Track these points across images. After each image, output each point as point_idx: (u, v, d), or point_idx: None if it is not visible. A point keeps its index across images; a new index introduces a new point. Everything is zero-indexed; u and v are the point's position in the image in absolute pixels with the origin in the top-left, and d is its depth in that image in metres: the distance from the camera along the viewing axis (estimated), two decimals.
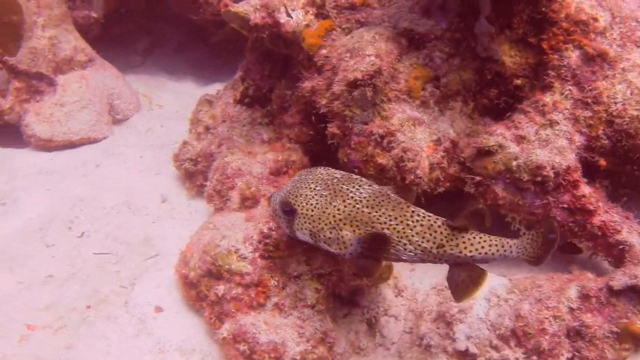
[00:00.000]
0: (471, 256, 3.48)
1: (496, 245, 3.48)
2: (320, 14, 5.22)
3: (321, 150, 5.53)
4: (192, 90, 8.63)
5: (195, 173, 6.20)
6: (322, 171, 3.82)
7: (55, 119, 7.04)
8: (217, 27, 8.33)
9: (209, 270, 4.61)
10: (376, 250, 3.52)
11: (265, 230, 4.47)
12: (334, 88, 4.73)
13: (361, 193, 3.59)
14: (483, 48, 4.85)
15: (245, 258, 4.55)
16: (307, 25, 5.17)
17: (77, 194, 6.35)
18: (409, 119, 4.72)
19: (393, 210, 3.53)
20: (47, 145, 7.10)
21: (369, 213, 3.52)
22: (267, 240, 4.55)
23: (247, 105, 6.03)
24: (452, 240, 3.48)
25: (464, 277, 3.50)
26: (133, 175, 6.60)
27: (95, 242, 5.81)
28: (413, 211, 3.54)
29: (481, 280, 3.48)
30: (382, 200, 3.57)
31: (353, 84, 4.60)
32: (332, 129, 4.83)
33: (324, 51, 5.13)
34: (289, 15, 5.13)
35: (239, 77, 6.11)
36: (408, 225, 3.50)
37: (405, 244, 3.49)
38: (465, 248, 3.48)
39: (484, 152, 4.69)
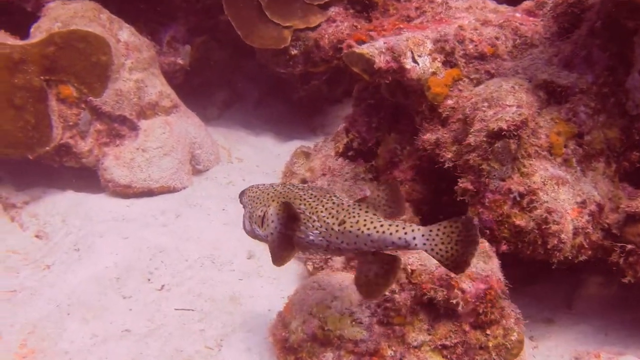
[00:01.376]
0: (368, 234, 3.23)
1: (396, 227, 3.18)
2: (448, 62, 4.81)
3: (434, 210, 5.00)
4: (271, 146, 8.24)
5: None
6: (300, 186, 3.73)
7: (136, 164, 6.64)
8: (303, 82, 7.98)
9: (314, 335, 4.09)
10: (286, 223, 3.38)
11: (386, 292, 3.95)
12: (470, 139, 4.25)
13: (306, 188, 3.59)
14: (635, 105, 4.34)
15: (360, 323, 4.06)
16: (434, 73, 4.75)
17: (157, 244, 5.87)
18: (552, 177, 4.22)
19: (319, 191, 3.52)
20: (125, 192, 6.67)
21: (297, 192, 3.51)
22: (388, 304, 4.06)
23: (350, 159, 5.58)
24: (353, 216, 3.29)
25: (375, 270, 3.32)
26: (217, 228, 6.11)
27: (176, 297, 5.30)
28: (334, 196, 3.46)
29: (391, 274, 3.30)
30: (319, 190, 3.56)
31: (495, 135, 4.13)
32: (465, 184, 4.32)
33: (450, 102, 4.69)
34: (415, 61, 4.72)
35: (343, 129, 5.66)
36: (321, 202, 3.41)
37: (313, 220, 3.36)
38: (365, 225, 3.25)
39: (639, 218, 4.11)
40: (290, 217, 3.41)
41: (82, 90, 6.68)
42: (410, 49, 4.73)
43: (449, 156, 4.56)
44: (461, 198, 4.43)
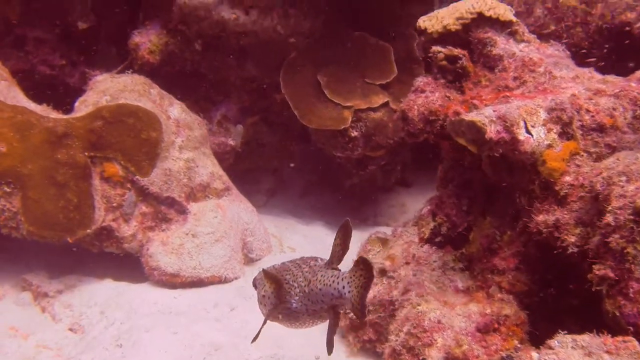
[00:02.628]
0: (319, 290, 3.16)
1: (333, 277, 3.13)
2: (564, 134, 4.16)
3: (542, 303, 4.28)
4: (323, 235, 7.57)
5: (363, 325, 4.87)
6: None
7: (185, 251, 5.96)
8: (360, 168, 7.38)
9: None
10: (277, 295, 3.33)
11: None
12: (608, 219, 3.53)
13: (298, 261, 3.52)
14: None
15: None
16: (550, 146, 4.12)
17: (211, 340, 5.12)
18: None
19: (306, 260, 3.43)
20: (172, 281, 5.96)
21: (289, 265, 3.44)
22: None
23: (437, 246, 4.86)
24: (314, 275, 3.23)
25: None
26: (278, 325, 5.28)
27: None
28: (317, 261, 3.41)
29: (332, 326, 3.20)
30: (309, 259, 3.49)
31: None
32: (602, 271, 3.60)
33: (568, 178, 4.03)
34: (528, 132, 4.09)
35: (428, 212, 4.99)
36: (302, 268, 3.33)
37: (294, 287, 3.28)
38: (318, 281, 3.18)
39: None
40: (278, 288, 3.33)
41: (128, 169, 6.08)
42: (523, 118, 4.12)
43: (572, 240, 3.89)
44: (597, 288, 3.68)
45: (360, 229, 7.93)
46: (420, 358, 4.25)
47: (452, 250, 4.97)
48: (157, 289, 6.02)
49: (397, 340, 4.43)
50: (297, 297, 3.37)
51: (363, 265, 3.06)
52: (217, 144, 7.15)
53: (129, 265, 6.32)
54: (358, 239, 7.26)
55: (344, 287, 3.07)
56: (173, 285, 6.02)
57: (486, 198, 4.88)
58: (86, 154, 6.02)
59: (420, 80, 5.01)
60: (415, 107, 4.85)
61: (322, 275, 3.25)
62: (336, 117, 7.03)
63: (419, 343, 4.29)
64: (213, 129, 7.15)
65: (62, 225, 5.76)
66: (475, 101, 4.40)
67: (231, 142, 7.24)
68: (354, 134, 7.06)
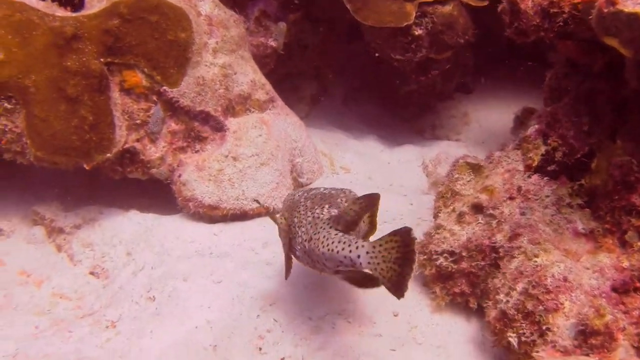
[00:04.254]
0: (322, 253, 3.04)
1: (342, 244, 2.93)
2: None
3: None
4: (378, 152, 6.52)
5: (453, 274, 3.87)
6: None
7: (226, 177, 4.93)
8: (420, 73, 6.22)
9: None
10: (284, 237, 3.48)
11: None
12: None
13: (320, 192, 3.55)
14: None
15: None
16: None
17: (264, 292, 4.13)
18: None
19: (317, 199, 3.40)
20: (210, 214, 4.96)
21: (302, 200, 3.47)
22: None
23: (550, 176, 3.76)
24: (317, 232, 3.13)
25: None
26: None
27: None
28: (325, 206, 3.32)
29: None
30: (320, 197, 3.43)
31: None
32: None
33: None
34: None
35: (537, 133, 3.90)
36: (307, 215, 3.30)
37: (298, 235, 3.30)
38: (322, 243, 3.05)
39: None
40: (284, 231, 3.44)
41: (154, 78, 4.96)
42: None
43: None
44: None
45: (417, 143, 6.88)
46: (544, 327, 3.22)
47: (568, 182, 3.88)
48: (192, 224, 5.03)
49: (508, 301, 3.43)
50: (299, 247, 3.29)
51: (401, 237, 2.77)
52: (255, 45, 5.98)
53: (158, 193, 5.31)
54: (415, 155, 6.21)
55: (359, 257, 2.85)
56: (212, 219, 5.01)
57: (616, 115, 3.72)
58: (102, 60, 4.90)
59: None
60: None
61: (325, 237, 3.06)
62: (397, 11, 5.79)
63: (540, 307, 3.32)
64: (250, 27, 5.95)
65: (76, 149, 4.72)
66: None
67: (272, 43, 6.05)
68: (419, 32, 5.86)
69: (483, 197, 4.01)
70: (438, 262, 4.02)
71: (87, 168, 4.80)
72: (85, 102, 4.76)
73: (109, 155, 4.86)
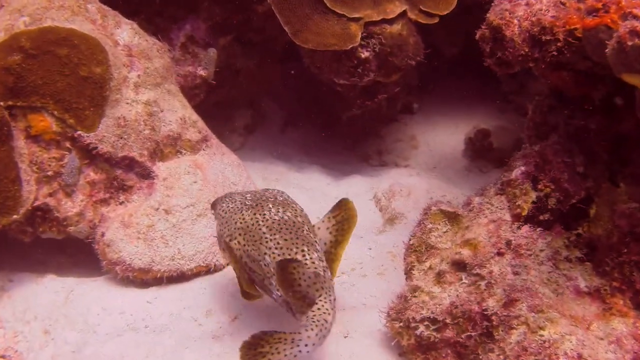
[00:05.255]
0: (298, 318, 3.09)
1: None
2: None
3: None
4: (324, 185, 5.87)
5: (436, 345, 3.29)
6: (274, 192, 3.66)
7: (158, 234, 4.22)
8: (366, 97, 5.60)
9: None
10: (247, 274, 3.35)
11: None
12: None
13: (276, 213, 3.39)
14: None
15: None
16: None
17: None
18: None
19: (286, 240, 3.27)
20: (142, 277, 4.23)
21: (264, 233, 3.32)
22: None
23: (543, 226, 3.23)
24: (298, 291, 3.04)
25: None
26: None
27: None
28: (303, 250, 3.23)
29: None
30: (288, 229, 3.32)
31: None
32: None
33: None
34: None
35: (523, 175, 3.40)
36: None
37: (272, 284, 3.22)
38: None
39: None
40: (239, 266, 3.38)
41: (66, 122, 4.22)
42: None
43: None
44: None
45: (365, 172, 6.30)
46: None
47: (562, 232, 3.33)
48: (121, 290, 4.30)
49: None
50: (279, 294, 3.24)
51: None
52: (182, 75, 5.27)
53: (78, 249, 4.50)
54: (365, 187, 5.66)
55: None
56: (144, 283, 4.27)
57: (613, 155, 3.20)
58: (2, 104, 4.06)
59: None
60: (516, 21, 3.07)
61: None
62: (341, 33, 5.20)
63: None
64: (176, 55, 5.25)
65: None
66: (635, 10, 2.62)
67: (201, 72, 5.36)
68: (365, 54, 5.28)
69: (465, 253, 3.44)
70: (418, 332, 3.40)
71: None
72: None
73: (15, 217, 4.05)
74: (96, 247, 4.39)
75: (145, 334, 3.86)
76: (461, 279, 3.48)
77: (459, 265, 3.51)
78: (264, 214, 3.38)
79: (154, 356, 3.66)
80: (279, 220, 3.36)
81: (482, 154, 6.47)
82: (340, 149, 6.95)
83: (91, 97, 4.32)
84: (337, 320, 3.71)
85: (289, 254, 3.19)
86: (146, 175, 4.54)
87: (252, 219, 3.39)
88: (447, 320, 3.42)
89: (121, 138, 4.40)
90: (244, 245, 3.37)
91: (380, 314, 3.67)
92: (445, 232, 3.72)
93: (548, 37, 3.05)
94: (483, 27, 3.31)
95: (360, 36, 5.25)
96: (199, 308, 4.09)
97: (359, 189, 5.92)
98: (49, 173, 4.29)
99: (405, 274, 3.85)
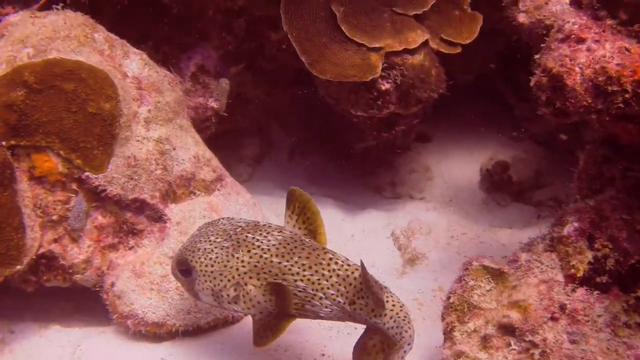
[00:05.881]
0: (375, 323, 3.05)
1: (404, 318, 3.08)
2: None
3: None
4: (339, 220, 5.61)
5: None
6: (224, 222, 3.40)
7: (173, 285, 3.90)
8: (383, 129, 5.36)
9: None
10: (282, 305, 3.08)
11: None
12: None
13: (269, 241, 3.20)
14: None
15: None
16: None
17: None
18: None
19: (307, 257, 3.12)
20: (156, 331, 3.86)
21: (279, 263, 3.12)
22: None
23: (599, 289, 2.93)
24: (362, 297, 3.05)
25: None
26: None
27: None
28: (330, 258, 3.14)
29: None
30: (295, 247, 3.17)
31: None
32: None
33: None
34: None
35: (578, 233, 3.13)
36: (324, 275, 3.08)
37: (321, 298, 3.08)
38: (374, 313, 3.04)
39: None
40: (285, 302, 3.07)
41: (72, 162, 3.90)
42: None
43: None
44: None
45: (380, 206, 6.02)
46: None
47: (620, 294, 3.04)
48: (132, 345, 3.96)
49: None
50: (329, 310, 3.19)
51: None
52: (192, 107, 4.97)
53: (80, 295, 4.17)
54: (381, 223, 5.41)
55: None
56: (157, 337, 3.89)
57: None
58: (3, 143, 3.73)
59: (571, 21, 2.93)
60: (577, 69, 2.79)
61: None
62: (360, 63, 4.93)
63: None
64: (186, 86, 4.92)
65: None
66: None
67: (213, 103, 5.06)
68: (386, 86, 5.01)
69: (514, 316, 3.15)
70: None
71: None
72: None
73: (19, 267, 3.71)
74: (104, 297, 4.06)
75: None
76: (509, 345, 3.20)
77: (507, 329, 3.22)
78: (259, 246, 3.21)
79: None
80: (279, 244, 3.21)
81: (501, 186, 6.20)
82: (350, 178, 6.67)
83: (100, 135, 3.99)
84: None
85: (322, 269, 3.11)
86: (157, 218, 4.23)
87: (252, 257, 3.20)
88: None
89: (131, 179, 4.08)
90: (263, 284, 3.17)
91: None
92: (489, 290, 3.44)
93: (614, 88, 2.77)
94: (539, 73, 3.03)
95: (381, 67, 4.94)
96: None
97: (376, 224, 5.65)
98: (54, 217, 3.96)
99: (445, 334, 3.55)
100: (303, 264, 3.11)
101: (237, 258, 3.21)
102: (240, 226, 3.33)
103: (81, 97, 3.98)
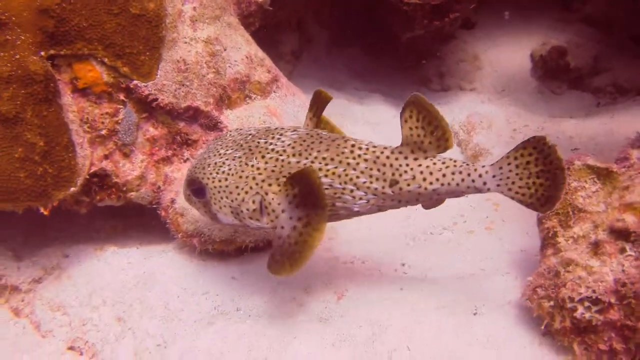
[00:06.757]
0: (434, 189, 2.76)
1: (461, 174, 2.76)
2: None
3: None
4: (391, 117, 5.24)
5: (597, 328, 2.82)
6: (232, 133, 3.06)
7: None
8: (434, 17, 4.87)
9: None
10: (313, 201, 2.63)
11: None
12: None
13: (284, 142, 2.86)
14: None
15: None
16: None
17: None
18: None
19: (327, 150, 2.80)
20: (224, 249, 3.72)
21: (297, 162, 2.78)
22: None
23: None
24: (406, 172, 2.75)
25: None
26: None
27: None
28: (353, 145, 2.82)
29: None
30: (313, 142, 2.84)
31: None
32: None
33: None
34: None
35: None
36: (349, 164, 2.78)
37: (352, 190, 2.76)
38: (425, 180, 2.75)
39: None
40: (314, 192, 2.62)
41: (118, 70, 3.50)
42: None
43: None
44: None
45: (436, 99, 5.62)
46: None
47: None
48: (198, 265, 3.69)
49: None
50: (364, 201, 2.82)
51: (535, 148, 2.74)
52: (235, 1, 4.43)
53: (129, 211, 3.89)
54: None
55: (485, 184, 2.80)
56: (223, 254, 3.63)
57: None
58: (42, 54, 3.33)
59: None
60: None
61: (427, 172, 2.80)
62: None
63: None
64: None
65: (26, 190, 3.26)
66: None
67: None
68: None
69: (629, 219, 2.87)
70: (578, 314, 2.85)
71: (45, 213, 3.29)
72: (29, 120, 3.25)
73: (73, 189, 3.38)
74: (163, 214, 3.77)
75: (240, 319, 3.30)
76: (624, 250, 2.92)
77: (621, 234, 2.92)
78: (273, 149, 2.87)
79: (259, 349, 3.09)
80: (293, 142, 2.86)
81: (556, 73, 5.79)
82: (392, 71, 6.28)
83: (146, 38, 3.57)
84: (459, 290, 3.25)
85: (345, 158, 2.78)
86: (212, 126, 3.87)
87: (267, 162, 2.86)
88: (612, 300, 2.86)
89: (183, 85, 3.69)
90: (284, 188, 2.77)
91: (507, 281, 3.16)
92: (595, 192, 3.14)
93: None
94: None
95: None
96: (295, 284, 3.51)
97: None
98: (103, 132, 3.61)
99: (544, 240, 3.27)
100: (324, 158, 2.79)
101: (252, 166, 2.87)
102: (250, 134, 3.00)
103: None
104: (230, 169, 2.90)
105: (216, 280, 3.59)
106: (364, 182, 2.76)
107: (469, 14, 6.36)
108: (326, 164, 2.78)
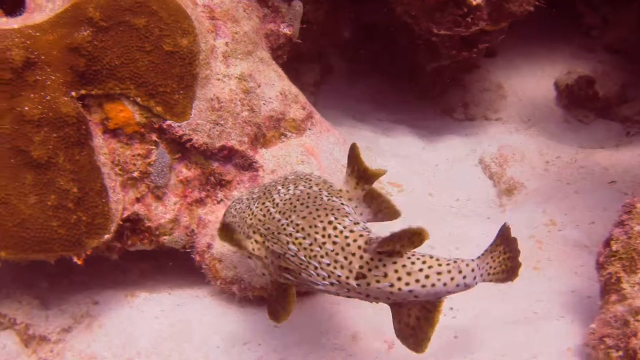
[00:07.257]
0: (410, 291, 2.38)
1: (448, 272, 2.39)
2: None
3: None
4: (420, 150, 5.17)
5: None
6: (287, 174, 3.00)
7: None
8: (462, 47, 4.76)
9: None
10: (275, 271, 2.65)
11: None
12: None
13: (285, 194, 2.73)
14: None
15: None
16: None
17: None
18: None
19: (304, 218, 2.56)
20: (263, 295, 3.48)
21: (279, 220, 2.64)
22: None
23: None
24: (377, 267, 2.39)
25: (414, 317, 2.49)
26: None
27: None
28: (330, 221, 2.52)
29: (435, 315, 2.46)
30: (301, 204, 2.63)
31: None
32: None
33: None
34: None
35: None
36: (316, 240, 2.49)
37: (316, 267, 2.49)
38: (400, 280, 2.37)
39: None
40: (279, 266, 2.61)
41: (151, 110, 3.36)
42: None
43: None
44: None
45: (457, 130, 5.58)
46: None
47: None
48: (236, 312, 3.51)
49: None
50: (327, 282, 2.53)
51: (502, 241, 2.70)
52: (264, 35, 4.29)
53: (159, 254, 3.72)
54: (465, 150, 4.98)
55: (474, 279, 2.52)
56: (263, 301, 3.46)
57: None
58: (73, 94, 3.16)
59: None
60: None
61: (404, 272, 2.42)
62: None
63: None
64: (265, 12, 4.27)
65: (60, 240, 3.10)
66: None
67: (285, 29, 4.45)
68: (477, 1, 4.34)
69: None
70: None
71: (79, 262, 3.11)
72: (62, 165, 3.10)
73: (107, 236, 3.20)
74: (198, 259, 3.60)
75: None
76: None
77: None
78: (273, 199, 2.76)
79: None
80: (289, 198, 2.71)
81: (583, 102, 5.67)
82: (413, 100, 6.16)
83: (179, 76, 3.43)
84: (513, 334, 3.21)
85: (315, 232, 2.51)
86: (247, 166, 3.72)
87: (261, 209, 2.77)
88: None
89: (217, 124, 3.55)
90: (264, 242, 2.71)
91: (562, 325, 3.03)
92: None
93: None
94: None
95: None
96: (341, 332, 3.33)
97: (459, 152, 5.18)
98: (135, 174, 3.46)
99: (605, 285, 3.11)
100: (297, 224, 2.58)
101: (250, 210, 2.82)
102: (284, 178, 2.94)
103: (155, 34, 3.39)
104: (239, 208, 2.91)
105: (257, 329, 3.41)
106: (328, 265, 2.49)
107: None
108: (297, 232, 2.57)
